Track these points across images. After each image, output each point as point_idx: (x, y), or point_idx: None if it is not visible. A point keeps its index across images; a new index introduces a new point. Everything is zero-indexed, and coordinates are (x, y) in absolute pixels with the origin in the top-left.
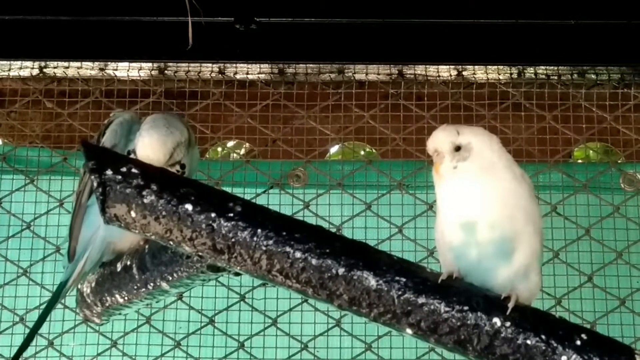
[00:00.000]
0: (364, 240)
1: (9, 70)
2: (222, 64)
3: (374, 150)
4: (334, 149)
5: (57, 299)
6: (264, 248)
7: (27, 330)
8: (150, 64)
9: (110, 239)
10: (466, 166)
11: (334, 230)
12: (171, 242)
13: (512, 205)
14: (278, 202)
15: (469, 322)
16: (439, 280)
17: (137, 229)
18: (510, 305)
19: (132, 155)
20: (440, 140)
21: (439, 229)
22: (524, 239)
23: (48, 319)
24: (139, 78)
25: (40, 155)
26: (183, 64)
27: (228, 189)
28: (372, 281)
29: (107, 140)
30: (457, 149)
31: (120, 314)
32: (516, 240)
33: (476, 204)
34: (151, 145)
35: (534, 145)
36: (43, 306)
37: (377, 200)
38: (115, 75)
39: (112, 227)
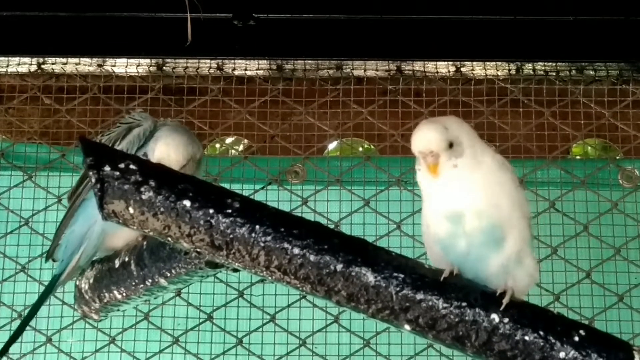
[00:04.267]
0: (362, 237)
1: (7, 66)
2: (221, 60)
3: (372, 147)
4: (332, 145)
5: (50, 292)
6: (262, 244)
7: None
8: (148, 60)
9: (105, 234)
10: (465, 162)
11: (332, 226)
12: (169, 239)
13: (497, 193)
14: (276, 198)
15: (467, 318)
16: (441, 278)
17: (136, 226)
18: (505, 301)
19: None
20: (435, 140)
21: (425, 222)
22: (512, 224)
23: (46, 315)
24: (137, 74)
25: (38, 152)
26: (181, 60)
27: (226, 185)
28: (370, 277)
29: (123, 146)
30: (450, 145)
31: (118, 310)
32: (505, 227)
33: (463, 195)
34: (176, 147)
35: (532, 141)
36: None
37: (376, 197)
38: (114, 72)
39: (108, 222)
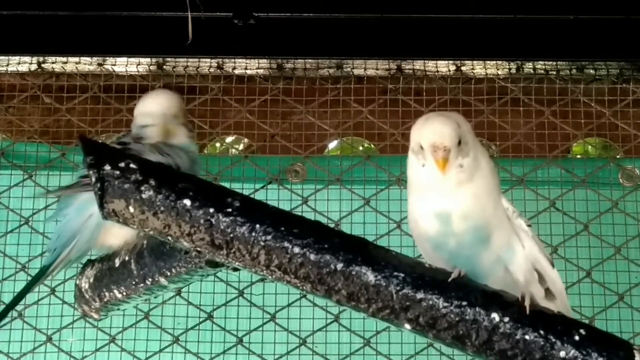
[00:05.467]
0: (362, 236)
1: (7, 65)
2: (221, 59)
3: (372, 146)
4: (332, 145)
5: (37, 281)
6: (262, 243)
7: (26, 326)
8: (148, 59)
9: (100, 230)
10: (470, 164)
11: (332, 225)
12: (169, 238)
13: (485, 198)
14: (276, 197)
15: (467, 317)
16: (450, 279)
17: (136, 225)
18: (526, 303)
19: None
20: (450, 135)
21: (412, 218)
22: (495, 222)
23: (46, 314)
24: (137, 73)
25: (38, 151)
26: (181, 59)
27: (226, 185)
28: (370, 276)
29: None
30: (459, 142)
31: (118, 309)
32: (489, 227)
33: (454, 196)
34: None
35: (533, 140)
36: (42, 301)
37: (376, 196)
38: (114, 71)
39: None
